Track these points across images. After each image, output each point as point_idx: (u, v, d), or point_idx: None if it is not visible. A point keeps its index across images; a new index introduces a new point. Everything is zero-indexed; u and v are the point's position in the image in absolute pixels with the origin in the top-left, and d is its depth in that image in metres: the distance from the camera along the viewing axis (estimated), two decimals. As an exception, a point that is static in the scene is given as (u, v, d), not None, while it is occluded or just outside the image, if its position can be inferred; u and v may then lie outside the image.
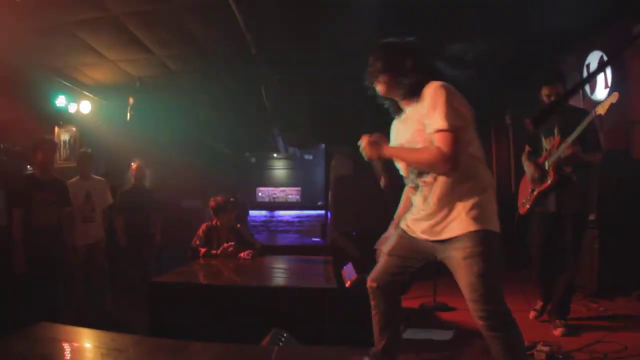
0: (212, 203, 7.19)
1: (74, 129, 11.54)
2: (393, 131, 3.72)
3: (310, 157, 20.74)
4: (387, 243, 3.73)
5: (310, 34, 8.31)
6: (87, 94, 11.10)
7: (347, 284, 4.76)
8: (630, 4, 7.20)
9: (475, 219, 3.13)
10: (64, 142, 11.48)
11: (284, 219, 19.07)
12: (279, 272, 6.22)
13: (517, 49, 9.11)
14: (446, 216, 3.23)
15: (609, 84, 8.13)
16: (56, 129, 11.37)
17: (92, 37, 8.45)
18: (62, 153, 11.32)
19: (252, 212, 18.66)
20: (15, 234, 6.23)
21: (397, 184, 3.72)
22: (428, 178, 3.32)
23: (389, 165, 3.54)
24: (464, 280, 3.14)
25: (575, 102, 8.59)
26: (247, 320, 4.20)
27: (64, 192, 7.02)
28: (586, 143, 5.56)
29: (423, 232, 3.38)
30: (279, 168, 21.34)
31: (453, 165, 3.13)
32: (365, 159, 3.56)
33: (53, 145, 7.05)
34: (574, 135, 5.45)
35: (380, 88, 3.51)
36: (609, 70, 8.12)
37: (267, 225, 18.96)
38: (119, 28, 8.02)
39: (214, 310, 4.45)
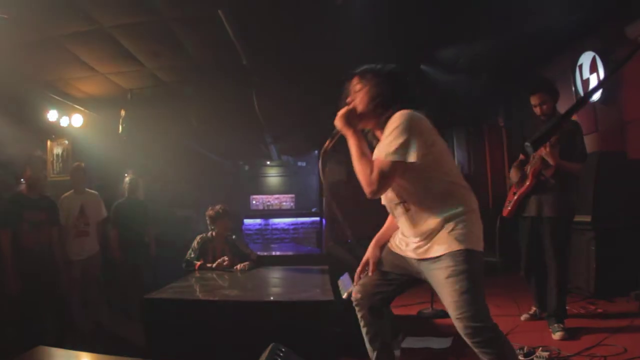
0: (210, 212, 7.15)
1: (66, 142, 11.52)
2: None
3: (304, 164, 20.71)
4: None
5: (301, 42, 8.29)
6: (78, 107, 11.10)
7: (344, 296, 4.70)
8: (621, 3, 7.22)
9: (458, 239, 3.11)
10: (57, 155, 11.46)
11: (278, 226, 18.96)
12: (275, 284, 6.16)
13: (509, 51, 9.14)
14: (430, 237, 3.21)
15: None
16: (48, 142, 11.35)
17: (83, 51, 8.45)
18: (54, 167, 11.30)
19: (246, 221, 18.58)
20: (6, 256, 6.13)
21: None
22: (408, 205, 3.31)
23: (341, 141, 3.48)
24: (448, 299, 3.13)
25: (569, 102, 8.57)
26: (244, 335, 4.16)
27: (54, 210, 6.95)
28: (570, 151, 5.70)
29: (409, 247, 3.38)
30: (273, 175, 21.32)
31: (374, 193, 3.13)
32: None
33: (41, 162, 6.99)
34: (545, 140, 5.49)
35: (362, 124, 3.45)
36: (602, 72, 8.09)
37: (262, 233, 18.87)
38: (109, 41, 8.02)
39: (211, 326, 4.38)
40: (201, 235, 7.13)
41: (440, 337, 5.79)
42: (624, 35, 7.41)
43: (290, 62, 9.06)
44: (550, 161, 5.62)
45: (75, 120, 10.91)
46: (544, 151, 5.63)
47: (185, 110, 11.90)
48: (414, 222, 3.30)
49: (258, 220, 18.91)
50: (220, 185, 16.90)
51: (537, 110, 5.96)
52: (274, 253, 9.76)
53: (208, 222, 7.19)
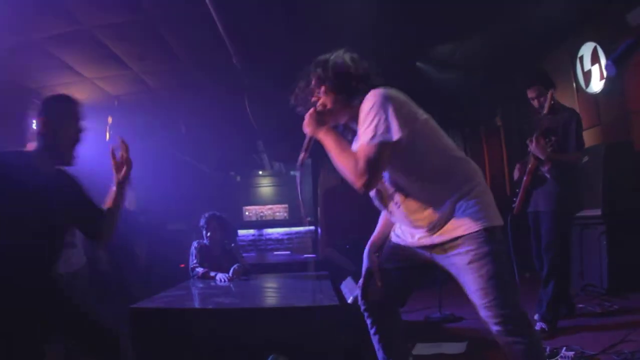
0: (202, 221, 7.10)
1: (51, 151, 11.22)
2: None
3: (297, 173, 20.49)
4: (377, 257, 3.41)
5: (293, 41, 8.07)
6: (64, 115, 10.70)
7: (350, 300, 4.40)
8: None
9: (474, 217, 2.81)
10: (42, 165, 11.18)
11: (272, 237, 18.83)
12: (273, 291, 5.92)
13: (506, 45, 8.95)
14: (440, 218, 2.89)
15: (605, 76, 7.90)
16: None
17: (67, 54, 8.26)
18: (40, 177, 11.01)
19: (239, 232, 18.35)
20: None
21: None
22: (405, 192, 3.00)
23: (317, 146, 3.17)
24: (472, 287, 2.81)
25: (570, 95, 8.43)
26: (242, 345, 3.86)
27: None
28: (566, 142, 5.59)
29: (415, 237, 3.05)
30: (265, 186, 21.16)
31: (367, 185, 2.80)
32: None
33: None
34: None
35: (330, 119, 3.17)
36: (604, 62, 7.86)
37: (256, 244, 18.71)
38: (93, 42, 7.84)
39: (205, 337, 4.07)
40: (198, 241, 7.03)
41: (453, 341, 5.52)
42: (625, 23, 7.17)
43: (282, 60, 8.82)
44: (540, 155, 5.49)
45: (60, 129, 10.57)
46: (532, 147, 5.51)
47: (173, 117, 11.70)
48: (415, 210, 2.97)
49: (252, 231, 18.74)
50: (212, 197, 16.64)
51: (534, 103, 5.85)
52: (269, 261, 9.52)
53: (204, 227, 7.08)
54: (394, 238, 3.28)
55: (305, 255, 11.94)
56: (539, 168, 5.62)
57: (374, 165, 2.75)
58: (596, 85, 8.15)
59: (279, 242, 18.64)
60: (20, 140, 9.82)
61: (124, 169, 3.45)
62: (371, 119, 2.77)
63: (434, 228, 2.90)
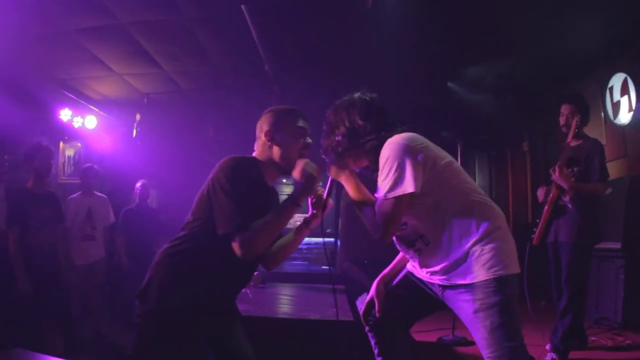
0: None
1: (79, 144, 11.26)
2: None
3: (320, 183, 20.48)
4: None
5: (326, 50, 8.07)
6: (92, 108, 10.84)
7: (364, 317, 4.37)
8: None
9: (487, 266, 2.74)
10: (68, 157, 11.20)
11: (291, 246, 18.61)
12: (288, 301, 5.87)
13: (536, 71, 8.99)
14: (457, 266, 2.83)
15: (633, 107, 7.85)
16: (61, 144, 11.08)
17: (98, 47, 8.24)
18: (65, 169, 11.03)
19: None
20: (14, 253, 5.93)
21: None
22: (425, 240, 2.95)
23: (340, 189, 3.18)
24: (478, 335, 2.75)
25: (597, 125, 8.36)
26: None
27: (60, 208, 6.74)
28: (588, 173, 5.52)
29: (429, 274, 3.01)
30: (287, 193, 21.09)
31: (383, 237, 2.84)
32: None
33: (49, 152, 6.66)
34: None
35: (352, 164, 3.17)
36: (633, 94, 7.83)
37: (274, 252, 18.55)
38: (126, 38, 7.82)
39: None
40: None
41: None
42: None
43: (314, 71, 8.83)
44: (563, 185, 5.42)
45: (88, 122, 10.60)
46: (555, 176, 5.44)
47: (202, 118, 11.69)
48: (434, 255, 2.93)
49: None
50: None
51: (562, 120, 5.78)
52: (286, 270, 9.47)
53: None
54: (409, 267, 3.26)
55: (323, 267, 11.91)
56: (561, 197, 5.56)
57: (389, 219, 2.80)
58: (624, 116, 8.08)
59: (297, 251, 18.51)
60: (48, 130, 9.94)
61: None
62: (387, 171, 2.79)
63: (447, 271, 2.87)
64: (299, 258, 18.06)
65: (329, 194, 3.19)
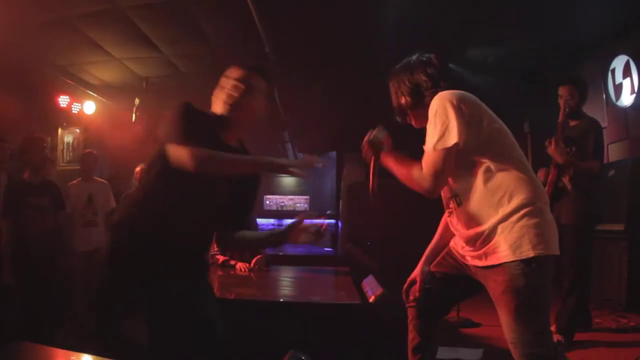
0: None
1: (77, 130, 11.19)
2: None
3: (319, 165, 20.45)
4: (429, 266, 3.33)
5: (327, 35, 8.02)
6: (91, 93, 10.80)
7: (371, 299, 4.33)
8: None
9: (514, 246, 2.65)
10: (67, 144, 11.14)
11: (292, 227, 18.60)
12: (293, 284, 5.82)
13: (538, 53, 9.00)
14: (485, 241, 2.77)
15: (636, 89, 7.86)
16: (59, 130, 11.01)
17: (97, 33, 8.18)
18: (64, 155, 10.97)
19: (259, 220, 18.33)
20: (4, 246, 5.93)
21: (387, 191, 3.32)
22: (458, 200, 2.91)
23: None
24: (503, 319, 2.71)
25: (599, 107, 8.36)
26: (259, 339, 3.79)
27: (58, 195, 6.69)
28: (584, 151, 5.50)
29: (465, 253, 2.99)
30: (287, 176, 21.10)
31: (431, 191, 2.83)
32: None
33: (42, 142, 6.65)
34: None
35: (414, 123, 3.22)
36: (635, 76, 7.83)
37: (275, 234, 18.55)
38: (125, 23, 7.75)
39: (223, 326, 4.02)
40: None
41: (469, 347, 5.49)
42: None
43: (316, 53, 8.77)
44: (558, 159, 5.40)
45: (87, 107, 10.55)
46: (550, 149, 5.44)
47: (202, 102, 11.64)
48: (464, 222, 2.90)
49: (271, 220, 18.67)
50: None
51: (561, 101, 5.72)
52: (287, 252, 9.43)
53: None
54: (451, 243, 3.22)
55: (325, 249, 11.88)
56: (560, 179, 5.54)
57: (436, 172, 2.77)
58: (627, 99, 8.09)
59: (297, 233, 18.51)
60: (46, 117, 9.87)
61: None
62: (435, 123, 2.77)
63: (474, 244, 2.84)
64: (299, 240, 18.07)
65: (374, 176, 3.18)
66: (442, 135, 2.73)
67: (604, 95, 8.62)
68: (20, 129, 7.89)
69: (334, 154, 15.04)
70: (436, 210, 3.27)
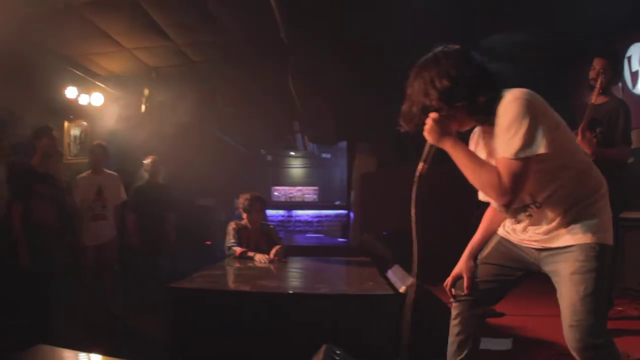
0: (242, 201, 6.82)
1: (84, 123, 11.02)
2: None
3: (328, 155, 20.52)
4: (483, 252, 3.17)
5: (346, 18, 7.89)
6: (99, 84, 10.67)
7: (402, 290, 4.19)
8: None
9: (592, 230, 2.58)
10: (74, 137, 10.98)
11: (302, 218, 18.80)
12: (318, 276, 5.70)
13: (553, 41, 8.87)
14: (560, 224, 2.67)
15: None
16: (66, 123, 10.85)
17: (105, 22, 8.07)
18: (71, 149, 10.82)
19: (268, 212, 18.29)
20: (17, 229, 5.86)
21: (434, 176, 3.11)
22: (539, 203, 2.74)
23: (438, 155, 2.92)
24: (567, 300, 2.58)
25: (615, 95, 8.26)
26: (286, 333, 3.69)
27: (62, 189, 6.68)
28: (612, 135, 5.32)
29: (530, 238, 2.82)
30: (296, 167, 21.15)
31: (512, 197, 2.58)
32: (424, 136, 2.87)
33: (52, 132, 6.66)
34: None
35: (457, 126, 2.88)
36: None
37: (285, 225, 18.64)
38: (134, 11, 7.65)
39: (247, 322, 3.91)
40: (236, 222, 6.86)
41: (495, 337, 5.30)
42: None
43: (332, 40, 8.64)
44: (586, 150, 5.09)
45: (95, 99, 10.39)
46: (577, 140, 5.09)
47: (212, 91, 11.56)
48: (544, 218, 2.75)
49: (281, 212, 18.66)
50: (241, 174, 16.56)
51: (592, 73, 5.45)
52: (300, 243, 9.37)
53: (241, 209, 6.87)
54: (501, 232, 3.07)
55: (339, 240, 11.82)
56: None
57: (518, 182, 2.54)
58: (643, 85, 7.93)
59: (308, 224, 18.56)
60: (52, 109, 9.74)
61: None
62: (516, 128, 2.52)
63: (549, 232, 2.70)
64: (311, 231, 18.06)
65: (425, 161, 2.89)
66: (526, 143, 2.50)
67: (620, 83, 8.34)
68: (24, 122, 7.80)
69: (344, 144, 14.96)
70: (452, 199, 3.13)
